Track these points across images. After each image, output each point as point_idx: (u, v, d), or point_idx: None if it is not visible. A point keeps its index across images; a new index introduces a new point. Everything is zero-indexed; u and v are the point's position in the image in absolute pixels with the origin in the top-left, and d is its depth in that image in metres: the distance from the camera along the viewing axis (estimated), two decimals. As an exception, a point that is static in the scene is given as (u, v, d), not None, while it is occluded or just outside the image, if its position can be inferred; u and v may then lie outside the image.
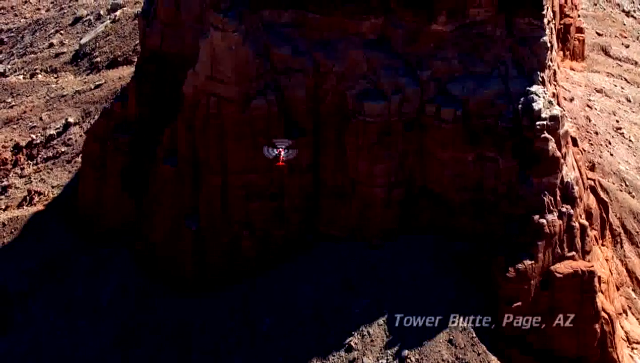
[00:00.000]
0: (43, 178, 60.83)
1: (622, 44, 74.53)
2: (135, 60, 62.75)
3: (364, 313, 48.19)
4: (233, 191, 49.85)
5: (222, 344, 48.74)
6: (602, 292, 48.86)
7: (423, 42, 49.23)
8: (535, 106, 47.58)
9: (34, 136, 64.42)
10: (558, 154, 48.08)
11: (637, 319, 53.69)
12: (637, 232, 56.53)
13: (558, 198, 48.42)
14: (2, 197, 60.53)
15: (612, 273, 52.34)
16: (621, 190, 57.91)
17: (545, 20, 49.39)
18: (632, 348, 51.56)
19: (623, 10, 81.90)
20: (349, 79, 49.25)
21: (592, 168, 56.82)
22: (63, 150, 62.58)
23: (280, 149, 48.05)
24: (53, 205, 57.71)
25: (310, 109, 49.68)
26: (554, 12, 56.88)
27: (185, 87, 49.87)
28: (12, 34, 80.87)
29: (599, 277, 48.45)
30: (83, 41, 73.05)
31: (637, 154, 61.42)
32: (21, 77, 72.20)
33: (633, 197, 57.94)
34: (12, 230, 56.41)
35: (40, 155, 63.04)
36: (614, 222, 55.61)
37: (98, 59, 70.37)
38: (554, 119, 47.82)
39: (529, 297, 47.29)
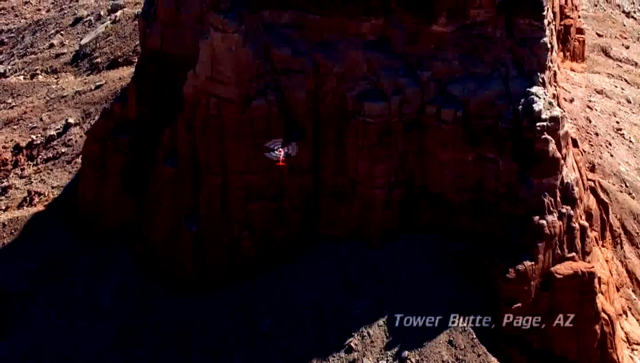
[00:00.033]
0: (43, 178, 60.84)
1: (623, 45, 74.57)
2: (136, 60, 62.78)
3: (364, 314, 48.20)
4: (233, 192, 49.85)
5: (222, 344, 48.74)
6: (602, 293, 48.86)
7: (423, 43, 49.24)
8: (536, 107, 47.58)
9: (34, 137, 64.43)
10: (558, 154, 48.08)
11: (637, 320, 53.68)
12: (637, 233, 56.53)
13: (558, 199, 48.42)
14: (2, 197, 60.54)
15: (612, 275, 52.34)
16: (621, 191, 57.92)
17: (546, 21, 49.39)
18: (632, 350, 51.56)
19: (623, 11, 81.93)
20: (349, 79, 49.25)
21: (592, 169, 56.84)
22: (63, 150, 62.59)
23: (281, 149, 48.09)
24: (53, 206, 57.69)
25: (310, 110, 49.68)
26: (554, 13, 56.91)
27: (186, 87, 49.88)
28: (12, 35, 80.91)
29: (599, 278, 48.45)
30: (83, 42, 73.08)
31: (638, 155, 61.42)
32: (21, 77, 72.24)
33: (633, 198, 57.96)
34: (12, 231, 56.40)
35: (40, 156, 63.05)
36: (614, 223, 55.63)
37: (98, 60, 70.39)
38: (554, 120, 47.82)
39: (529, 298, 47.28)
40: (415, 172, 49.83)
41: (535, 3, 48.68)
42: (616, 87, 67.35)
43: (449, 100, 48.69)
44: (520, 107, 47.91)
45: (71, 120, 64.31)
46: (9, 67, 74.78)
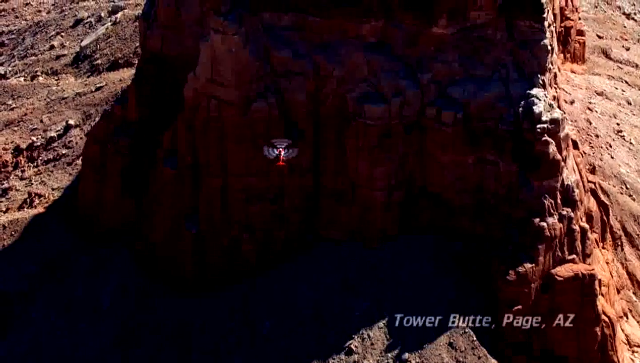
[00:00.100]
0: (43, 180, 60.84)
1: (623, 46, 74.52)
2: (136, 62, 62.80)
3: (364, 316, 48.19)
4: (233, 193, 49.85)
5: (222, 344, 48.74)
6: (602, 295, 48.84)
7: (423, 44, 49.24)
8: (536, 109, 47.58)
9: (34, 138, 64.43)
10: (558, 156, 48.05)
11: (638, 322, 53.63)
12: (638, 235, 56.51)
13: (558, 201, 48.40)
14: (3, 199, 60.54)
15: (612, 276, 52.31)
16: (622, 193, 57.89)
17: (546, 23, 49.37)
18: (633, 352, 51.52)
19: (624, 13, 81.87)
20: (349, 81, 49.25)
21: (592, 171, 56.80)
22: (63, 152, 62.60)
23: (280, 149, 48.11)
24: (53, 208, 57.69)
25: (310, 112, 49.68)
26: (554, 14, 56.87)
27: (186, 89, 49.88)
28: (12, 36, 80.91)
29: (600, 280, 48.44)
30: (84, 43, 73.07)
31: (638, 157, 61.39)
32: (22, 79, 72.23)
33: (634, 199, 57.94)
34: (13, 233, 56.41)
35: (40, 158, 63.05)
36: (615, 225, 55.60)
37: (99, 61, 70.39)
38: (555, 121, 47.81)
39: (529, 300, 47.25)
40: (415, 174, 49.81)
41: (535, 5, 48.68)
42: (616, 88, 67.33)
43: (449, 102, 48.69)
44: (521, 109, 47.90)
45: (71, 122, 64.31)
46: (10, 68, 74.78)
